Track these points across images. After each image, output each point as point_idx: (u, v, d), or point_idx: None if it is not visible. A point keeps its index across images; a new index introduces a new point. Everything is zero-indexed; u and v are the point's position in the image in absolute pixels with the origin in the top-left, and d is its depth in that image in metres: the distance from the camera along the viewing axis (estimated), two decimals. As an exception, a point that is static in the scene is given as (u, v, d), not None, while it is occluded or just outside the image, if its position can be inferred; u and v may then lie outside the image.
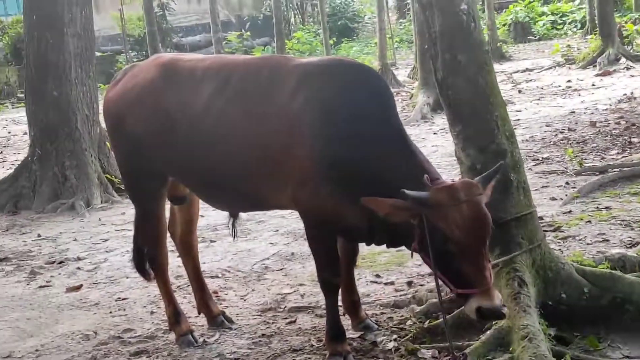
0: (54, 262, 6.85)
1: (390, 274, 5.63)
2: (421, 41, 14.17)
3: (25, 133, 12.96)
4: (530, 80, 17.05)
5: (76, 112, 9.37)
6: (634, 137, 9.47)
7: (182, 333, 4.73)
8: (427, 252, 3.67)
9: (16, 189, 9.40)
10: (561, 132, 10.50)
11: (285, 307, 5.18)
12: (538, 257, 4.29)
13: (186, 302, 5.36)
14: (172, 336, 4.81)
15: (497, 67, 14.43)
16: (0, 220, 8.81)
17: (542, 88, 15.56)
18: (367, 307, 4.93)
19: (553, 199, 7.18)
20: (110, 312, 5.44)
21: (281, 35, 19.37)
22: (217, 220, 7.38)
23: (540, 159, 8.94)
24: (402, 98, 15.78)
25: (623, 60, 17.01)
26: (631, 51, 17.62)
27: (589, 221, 6.33)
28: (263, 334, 4.74)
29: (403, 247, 4.15)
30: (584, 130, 10.43)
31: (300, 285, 5.60)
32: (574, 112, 12.09)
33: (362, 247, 4.63)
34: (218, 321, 4.92)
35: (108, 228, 7.96)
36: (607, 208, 6.66)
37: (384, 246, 4.20)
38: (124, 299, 5.70)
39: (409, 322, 4.63)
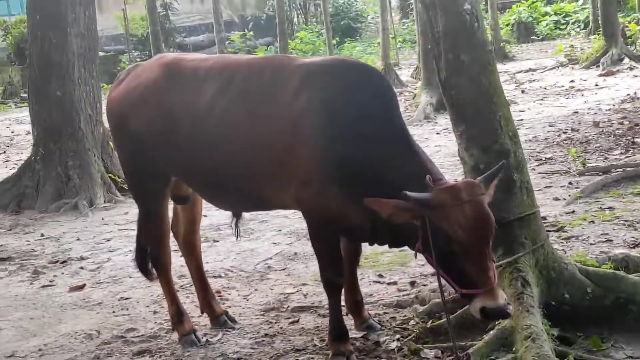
0: (57, 262, 6.85)
1: (393, 273, 5.63)
2: (424, 41, 14.17)
3: (29, 133, 12.97)
4: (534, 80, 17.03)
5: (79, 111, 9.39)
6: (637, 137, 9.46)
7: (185, 333, 4.73)
8: (431, 252, 3.67)
9: (19, 188, 9.42)
10: (564, 132, 10.48)
11: (288, 306, 5.18)
12: (541, 257, 4.29)
13: (189, 301, 5.36)
14: (175, 336, 4.81)
15: (500, 67, 14.41)
16: (3, 219, 8.83)
17: (545, 88, 15.54)
18: (370, 307, 4.93)
19: (556, 199, 7.17)
20: (113, 312, 5.44)
21: (284, 35, 19.37)
22: (220, 220, 7.38)
23: (544, 159, 8.93)
24: (405, 98, 15.77)
25: (626, 60, 16.99)
26: (634, 51, 17.60)
27: (592, 221, 6.32)
28: (266, 334, 4.75)
29: (406, 247, 4.15)
30: (587, 130, 10.42)
31: (303, 285, 5.60)
32: (577, 112, 12.07)
33: (365, 247, 4.63)
34: (221, 321, 4.93)
35: (111, 228, 7.97)
36: (610, 208, 6.65)
37: (386, 246, 4.20)
38: (127, 298, 5.70)
39: (411, 322, 4.63)
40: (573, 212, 6.71)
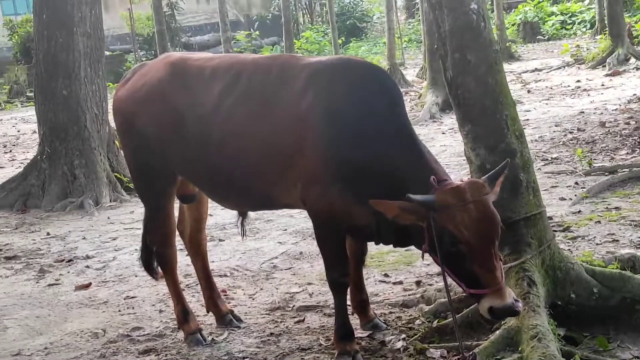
0: (63, 261, 6.86)
1: (398, 273, 5.63)
2: (430, 41, 14.14)
3: (35, 132, 13.00)
4: (540, 80, 17.01)
5: (85, 111, 9.40)
6: (643, 138, 9.45)
7: (191, 332, 4.73)
8: (437, 253, 3.67)
9: (25, 187, 9.44)
10: (570, 132, 10.47)
11: (293, 306, 5.18)
12: (547, 257, 4.28)
13: (195, 300, 5.37)
14: (180, 335, 4.81)
15: (506, 67, 14.35)
16: (9, 218, 8.85)
17: (551, 88, 15.52)
18: (376, 306, 4.93)
19: (562, 199, 7.16)
20: (119, 311, 5.45)
21: (290, 34, 19.39)
22: (226, 219, 7.38)
23: (550, 159, 8.92)
24: (410, 98, 15.77)
25: (633, 60, 16.96)
26: (641, 51, 17.58)
27: (599, 221, 6.31)
28: (271, 333, 4.75)
29: (412, 247, 4.15)
30: (593, 130, 10.40)
31: (309, 284, 5.60)
32: (583, 112, 12.05)
33: (371, 247, 4.63)
34: (226, 320, 4.93)
35: (117, 227, 7.98)
36: (616, 208, 6.64)
37: (392, 245, 4.19)
38: (132, 297, 5.71)
39: (417, 322, 4.63)
40: (579, 212, 6.70)
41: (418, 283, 5.37)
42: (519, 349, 3.88)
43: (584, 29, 26.14)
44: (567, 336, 4.09)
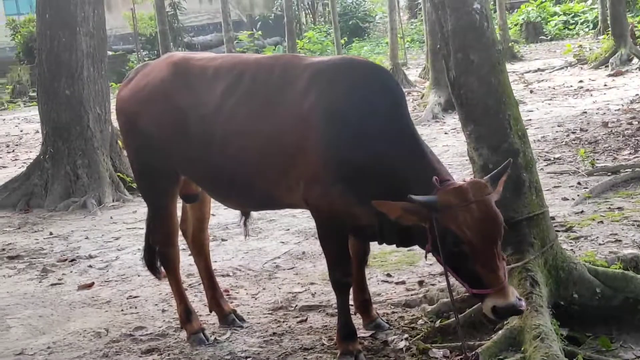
0: (65, 260, 6.87)
1: (401, 273, 5.63)
2: (432, 41, 14.14)
3: (38, 131, 13.02)
4: (542, 80, 17.00)
5: (88, 110, 9.41)
6: (646, 138, 9.44)
7: (194, 331, 4.74)
8: (440, 253, 3.68)
9: (28, 187, 9.45)
10: (573, 133, 10.46)
11: (296, 305, 5.18)
12: (550, 257, 4.28)
13: (197, 300, 5.38)
14: (183, 334, 4.82)
15: (508, 67, 14.28)
16: (12, 218, 8.86)
17: (554, 88, 15.51)
18: (378, 306, 4.94)
19: (565, 199, 7.16)
20: (122, 310, 5.45)
21: (292, 34, 19.38)
22: (229, 219, 7.39)
23: (552, 159, 8.91)
24: (413, 98, 15.76)
25: (635, 60, 16.94)
26: (644, 51, 17.55)
27: (601, 221, 6.30)
28: (274, 333, 4.75)
29: (414, 247, 4.15)
30: (596, 130, 10.39)
31: (311, 284, 5.60)
32: (585, 112, 12.04)
33: (373, 247, 4.63)
34: (229, 319, 4.93)
35: (119, 226, 7.99)
36: (619, 208, 6.63)
37: (395, 245, 4.20)
38: (135, 297, 5.71)
39: (420, 322, 4.63)
40: (582, 212, 6.70)
41: (421, 283, 5.37)
42: (522, 349, 3.87)
43: (587, 29, 26.09)
44: (569, 336, 4.09)
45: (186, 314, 4.78)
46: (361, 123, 3.97)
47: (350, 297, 4.38)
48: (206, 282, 5.01)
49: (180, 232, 4.90)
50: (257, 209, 5.12)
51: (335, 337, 4.36)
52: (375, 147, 3.94)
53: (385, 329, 4.58)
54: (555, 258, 4.30)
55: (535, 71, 18.48)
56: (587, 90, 14.70)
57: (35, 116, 11.95)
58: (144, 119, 4.56)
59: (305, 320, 4.91)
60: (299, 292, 5.44)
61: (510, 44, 21.66)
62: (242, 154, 4.24)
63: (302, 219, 7.20)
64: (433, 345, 4.22)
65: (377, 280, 5.52)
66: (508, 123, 4.27)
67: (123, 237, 7.50)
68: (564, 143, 9.77)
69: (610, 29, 18.12)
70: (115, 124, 6.27)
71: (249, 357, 4.47)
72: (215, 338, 4.74)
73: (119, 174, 9.55)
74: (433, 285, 5.20)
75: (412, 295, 5.08)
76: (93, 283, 6.12)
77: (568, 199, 7.13)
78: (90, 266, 6.62)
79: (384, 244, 4.23)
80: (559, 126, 11.09)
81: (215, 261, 5.88)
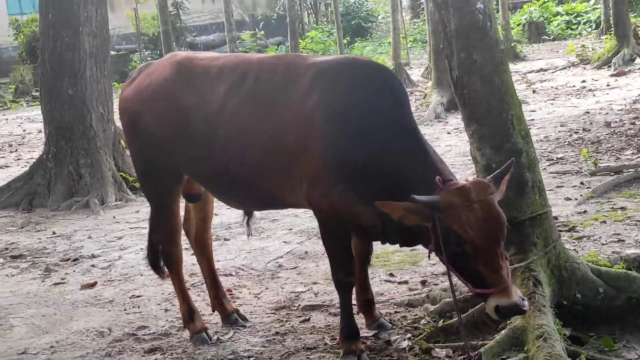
0: (68, 260, 6.88)
1: (404, 273, 5.63)
2: (435, 40, 14.14)
3: (40, 131, 13.02)
4: (545, 80, 16.98)
5: (91, 110, 9.41)
6: (649, 138, 9.44)
7: (196, 331, 4.74)
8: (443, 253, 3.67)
9: (31, 186, 9.45)
10: (576, 132, 10.46)
11: (299, 305, 5.18)
12: (553, 257, 4.28)
13: (200, 299, 5.38)
14: (186, 334, 4.82)
15: (511, 67, 14.29)
16: (15, 217, 8.87)
17: (557, 88, 15.50)
18: (381, 306, 4.94)
19: (568, 199, 7.16)
20: (125, 310, 5.46)
21: (295, 34, 19.36)
22: (231, 219, 7.40)
23: (555, 159, 8.91)
24: (415, 98, 15.75)
25: (638, 60, 16.94)
26: (646, 51, 17.54)
27: (604, 221, 6.30)
28: (277, 332, 4.75)
29: (417, 246, 4.15)
30: (598, 130, 10.39)
31: (314, 283, 5.60)
32: (588, 112, 12.04)
33: (376, 246, 4.63)
34: (232, 319, 4.93)
35: (122, 226, 8.00)
36: (622, 208, 6.63)
37: (397, 245, 4.19)
38: (138, 296, 5.72)
39: (423, 321, 4.63)
40: (585, 212, 6.69)
41: (423, 282, 5.37)
42: (525, 348, 3.87)
43: (590, 29, 26.07)
44: (572, 336, 4.09)
45: (189, 314, 4.79)
46: (364, 122, 3.97)
47: (353, 296, 4.38)
48: (209, 282, 5.02)
49: (183, 232, 4.90)
50: (259, 209, 5.12)
51: (338, 337, 4.36)
52: (378, 146, 3.94)
53: (388, 329, 4.58)
54: (558, 258, 4.30)
55: (538, 71, 18.47)
56: (590, 90, 14.69)
57: (38, 116, 11.98)
58: (147, 118, 4.56)
59: (308, 319, 4.92)
60: (302, 292, 5.44)
61: (512, 44, 21.64)
62: (245, 154, 4.24)
63: (304, 219, 7.20)
64: (436, 344, 4.22)
65: (379, 279, 5.52)
66: (511, 123, 4.27)
67: (126, 237, 7.51)
68: (566, 143, 9.77)
69: (612, 29, 18.11)
70: (118, 123, 6.26)
71: (252, 356, 4.47)
72: (218, 337, 4.75)
73: (121, 173, 9.55)
74: (436, 285, 5.20)
75: (414, 294, 5.08)
76: (96, 282, 6.13)
77: (571, 199, 7.13)
78: (93, 265, 6.62)
79: (387, 244, 4.23)
80: (561, 126, 11.08)
81: (218, 261, 5.88)
